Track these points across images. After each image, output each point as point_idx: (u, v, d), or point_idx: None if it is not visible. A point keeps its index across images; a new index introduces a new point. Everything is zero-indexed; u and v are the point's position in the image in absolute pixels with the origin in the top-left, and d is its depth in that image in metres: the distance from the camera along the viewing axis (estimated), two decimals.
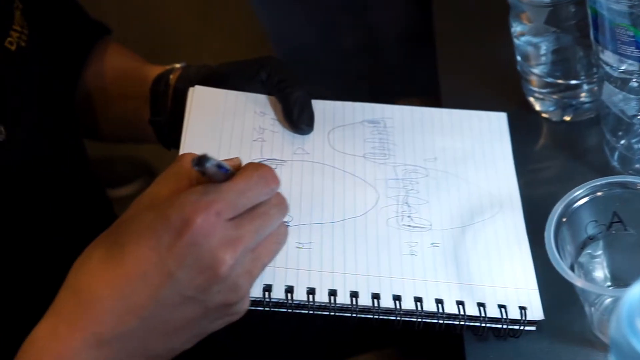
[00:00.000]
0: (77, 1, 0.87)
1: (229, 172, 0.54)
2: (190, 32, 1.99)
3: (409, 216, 0.69)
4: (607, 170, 0.72)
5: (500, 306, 0.64)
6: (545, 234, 0.59)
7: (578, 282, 0.56)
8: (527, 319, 0.63)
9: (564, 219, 0.61)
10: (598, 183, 0.61)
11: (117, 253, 0.53)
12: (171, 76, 0.79)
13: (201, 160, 0.52)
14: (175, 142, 0.73)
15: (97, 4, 1.01)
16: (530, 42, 0.74)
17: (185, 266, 0.52)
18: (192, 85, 0.74)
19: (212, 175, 0.53)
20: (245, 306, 0.56)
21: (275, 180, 0.55)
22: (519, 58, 0.76)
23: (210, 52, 1.93)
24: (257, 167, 0.55)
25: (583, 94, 0.76)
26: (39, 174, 0.73)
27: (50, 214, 0.75)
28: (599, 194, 0.61)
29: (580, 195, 0.61)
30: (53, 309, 0.55)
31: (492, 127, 0.76)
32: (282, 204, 0.56)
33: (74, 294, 0.54)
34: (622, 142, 0.70)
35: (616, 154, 0.71)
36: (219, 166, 0.53)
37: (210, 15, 1.98)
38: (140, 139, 0.85)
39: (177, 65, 0.80)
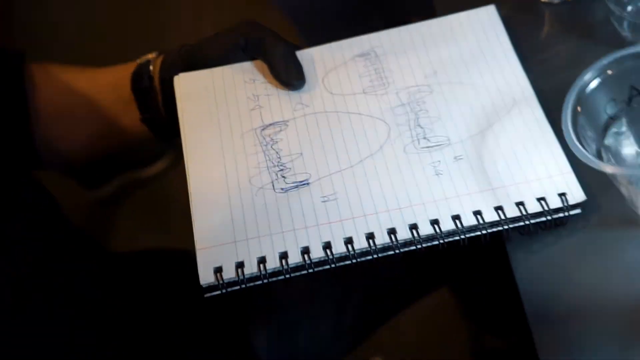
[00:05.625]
0: None
1: None
2: None
3: (424, 137, 0.68)
4: (620, 43, 0.68)
5: (539, 199, 0.63)
6: (563, 126, 0.57)
7: (607, 168, 0.54)
8: (569, 203, 0.62)
9: (579, 108, 0.58)
10: (605, 62, 0.58)
11: None
12: (151, 68, 0.76)
13: None
14: (176, 133, 0.71)
15: None
16: None
17: None
18: (177, 72, 0.73)
19: None
20: None
21: None
22: None
23: None
24: None
25: None
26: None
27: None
28: (610, 72, 0.59)
29: (589, 79, 0.59)
30: None
31: (484, 23, 0.74)
32: None
33: None
34: (629, 9, 0.67)
35: (625, 24, 0.68)
36: None
37: None
38: (122, 147, 0.82)
39: (150, 56, 0.77)
